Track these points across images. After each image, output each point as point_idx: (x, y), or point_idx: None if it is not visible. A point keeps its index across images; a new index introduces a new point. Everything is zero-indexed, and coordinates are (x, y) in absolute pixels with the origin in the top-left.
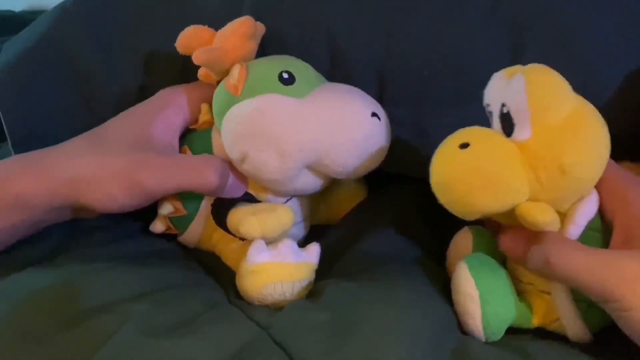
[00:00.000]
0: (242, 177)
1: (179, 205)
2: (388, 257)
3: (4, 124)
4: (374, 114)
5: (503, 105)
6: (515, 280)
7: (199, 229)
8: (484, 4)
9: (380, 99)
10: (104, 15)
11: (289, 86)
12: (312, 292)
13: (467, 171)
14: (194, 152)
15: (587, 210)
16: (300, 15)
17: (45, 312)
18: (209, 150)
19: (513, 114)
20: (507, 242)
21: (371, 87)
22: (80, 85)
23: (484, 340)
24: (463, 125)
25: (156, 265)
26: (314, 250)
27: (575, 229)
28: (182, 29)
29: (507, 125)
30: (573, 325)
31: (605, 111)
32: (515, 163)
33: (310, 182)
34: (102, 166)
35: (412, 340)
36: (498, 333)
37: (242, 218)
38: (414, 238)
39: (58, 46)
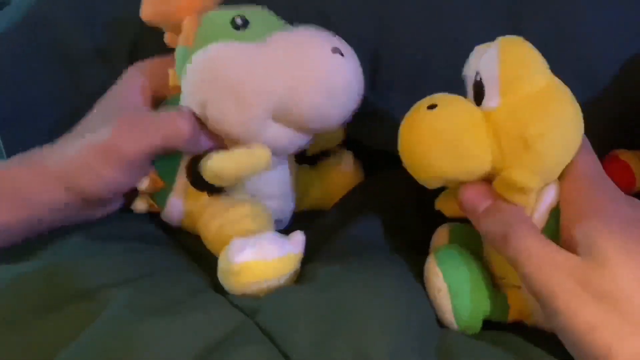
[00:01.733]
0: (216, 135)
1: (155, 176)
2: (377, 244)
3: None
4: (335, 50)
5: (477, 73)
6: (491, 274)
7: (178, 203)
8: None
9: (373, 82)
10: None
11: (243, 31)
12: (300, 275)
13: (428, 132)
14: None
15: (549, 197)
16: None
17: (25, 298)
18: None
19: (484, 82)
20: (469, 193)
21: (364, 70)
22: (66, 64)
23: (457, 330)
24: None
25: (139, 251)
26: (298, 240)
27: (537, 215)
28: None
29: (479, 93)
30: (545, 320)
31: (601, 100)
32: (479, 130)
33: (282, 136)
34: (83, 148)
35: (400, 331)
36: (473, 326)
37: (215, 158)
38: (405, 226)
39: (43, 23)
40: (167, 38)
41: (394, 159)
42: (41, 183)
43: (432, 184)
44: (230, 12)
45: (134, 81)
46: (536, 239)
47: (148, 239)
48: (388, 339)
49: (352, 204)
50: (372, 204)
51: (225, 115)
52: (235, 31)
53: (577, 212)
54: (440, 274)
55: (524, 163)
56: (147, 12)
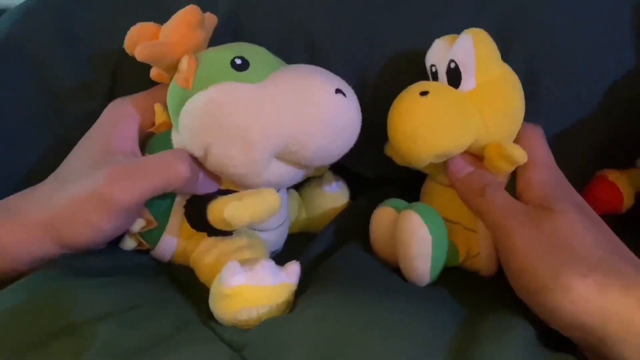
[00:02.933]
0: (214, 174)
1: (149, 216)
2: (369, 272)
3: None
4: (338, 91)
5: (452, 61)
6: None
7: (171, 241)
8: (469, 7)
9: (360, 102)
10: (69, 14)
11: (243, 72)
12: (291, 305)
13: (428, 113)
14: None
15: None
16: (279, 17)
17: (6, 335)
18: None
19: (461, 68)
20: (457, 164)
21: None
22: (45, 84)
23: (428, 281)
24: None
25: (126, 282)
26: (293, 270)
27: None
28: None
29: (455, 78)
30: (490, 258)
31: (589, 115)
32: (467, 109)
33: (283, 173)
34: (73, 197)
35: None
36: (437, 273)
37: (226, 204)
38: None
39: (22, 45)
40: (153, 73)
41: (378, 179)
42: (26, 235)
43: (425, 162)
44: (229, 52)
45: (118, 120)
46: (503, 194)
47: (136, 270)
48: None
49: (339, 230)
50: (360, 228)
51: (230, 158)
52: (235, 72)
53: (537, 187)
54: (426, 227)
55: (502, 131)
56: (142, 52)
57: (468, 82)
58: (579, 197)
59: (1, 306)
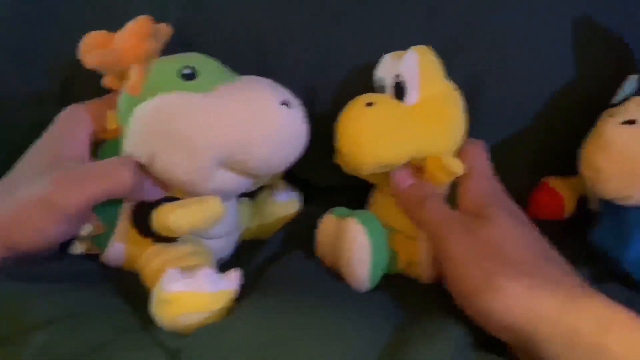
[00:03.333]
0: (160, 181)
1: (97, 222)
2: (311, 278)
3: None
4: (283, 103)
5: (397, 75)
6: (386, 230)
7: (119, 246)
8: (417, 20)
9: (311, 113)
10: (20, 24)
11: (191, 81)
12: (232, 311)
13: (373, 123)
14: None
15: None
16: (228, 24)
17: None
18: None
19: (406, 82)
20: (400, 175)
21: (301, 98)
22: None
23: (368, 286)
24: None
25: (71, 289)
26: (233, 277)
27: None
28: None
29: (400, 92)
30: (429, 266)
31: (531, 126)
32: (408, 121)
33: (230, 181)
34: (20, 202)
35: None
36: (377, 279)
37: (169, 211)
38: None
39: None
40: (105, 81)
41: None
42: None
43: (368, 170)
44: (178, 62)
45: (70, 126)
46: (441, 205)
47: (82, 277)
48: None
49: (288, 237)
50: (308, 235)
51: (175, 165)
52: (183, 82)
53: (474, 196)
54: (366, 233)
55: (442, 145)
56: (92, 60)
57: (412, 96)
58: (513, 205)
59: None
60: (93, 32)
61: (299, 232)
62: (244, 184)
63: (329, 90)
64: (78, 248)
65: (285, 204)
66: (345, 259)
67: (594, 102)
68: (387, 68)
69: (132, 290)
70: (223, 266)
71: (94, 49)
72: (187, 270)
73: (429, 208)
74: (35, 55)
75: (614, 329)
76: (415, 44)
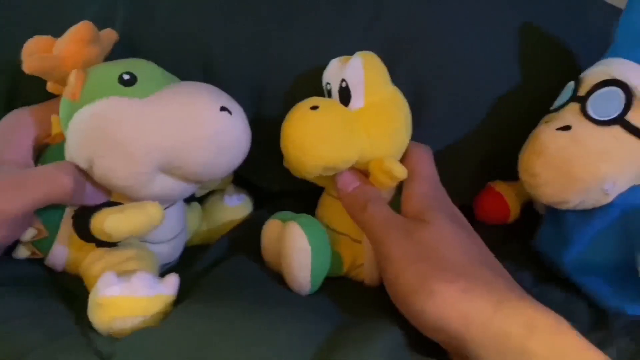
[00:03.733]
0: (102, 186)
1: (40, 225)
2: (250, 282)
3: None
4: (223, 108)
5: (343, 80)
6: (331, 233)
7: (62, 250)
8: (362, 21)
9: (255, 115)
10: None
11: (130, 87)
12: (167, 316)
13: (317, 126)
14: None
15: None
16: (173, 30)
17: None
18: None
19: (351, 87)
20: (344, 176)
21: (247, 103)
22: None
23: (308, 290)
24: None
25: (10, 294)
26: (171, 281)
27: (388, 192)
28: None
29: (345, 97)
30: (372, 269)
31: (474, 131)
32: (352, 125)
33: (170, 187)
34: None
35: None
36: (319, 283)
37: (107, 216)
38: None
39: None
40: (50, 86)
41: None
42: None
43: (313, 173)
44: (117, 68)
45: (14, 130)
46: (384, 208)
47: (21, 282)
48: None
49: (233, 241)
50: (253, 239)
51: (113, 171)
52: (122, 87)
53: (416, 199)
54: (305, 237)
55: (385, 149)
56: (31, 64)
57: (357, 101)
58: (454, 209)
59: None
60: (36, 37)
61: (245, 237)
62: (186, 189)
63: (276, 95)
64: (22, 252)
65: (235, 208)
66: (286, 263)
67: (538, 108)
68: (334, 72)
69: (74, 294)
70: (169, 270)
71: (36, 53)
72: (126, 274)
73: (371, 211)
74: None
75: (539, 332)
76: (359, 48)
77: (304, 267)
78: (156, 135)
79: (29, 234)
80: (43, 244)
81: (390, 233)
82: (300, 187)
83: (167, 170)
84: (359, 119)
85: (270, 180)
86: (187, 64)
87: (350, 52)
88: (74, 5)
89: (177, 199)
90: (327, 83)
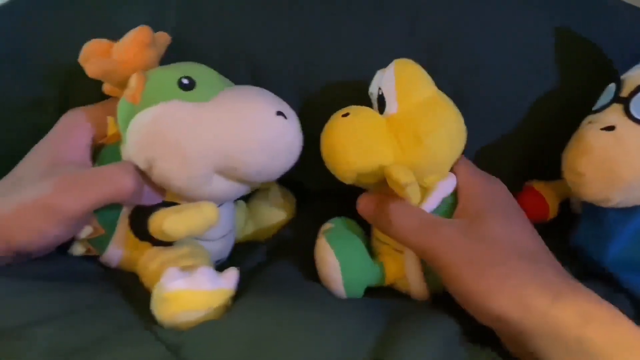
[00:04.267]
0: (158, 187)
1: (97, 224)
2: (299, 278)
3: None
4: (279, 113)
5: (379, 88)
6: (375, 242)
7: (118, 248)
8: (402, 26)
9: (300, 117)
10: (20, 30)
11: (190, 91)
12: (228, 310)
13: (344, 133)
14: None
15: (443, 188)
16: (221, 35)
17: None
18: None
19: (385, 95)
20: (362, 203)
21: (292, 105)
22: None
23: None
24: None
25: (70, 287)
26: (231, 275)
27: (432, 200)
28: None
29: (381, 104)
30: (416, 281)
31: (512, 131)
32: (382, 131)
33: (225, 188)
34: (21, 203)
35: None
36: (358, 293)
37: (165, 217)
38: None
39: None
40: (107, 88)
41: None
42: None
43: (348, 179)
44: (176, 72)
45: (72, 130)
46: (414, 217)
47: (81, 275)
48: None
49: (283, 240)
50: (301, 239)
51: (171, 172)
52: (182, 91)
53: (470, 200)
54: (333, 252)
55: (418, 156)
56: (93, 68)
57: (391, 107)
58: (509, 204)
59: None
60: (93, 40)
61: (292, 237)
62: (240, 190)
63: (319, 98)
64: (78, 249)
65: (280, 207)
66: (321, 277)
67: (574, 108)
68: (376, 81)
69: (131, 289)
70: (219, 267)
71: (93, 57)
72: (186, 269)
73: (396, 224)
74: (35, 62)
75: (596, 321)
76: (400, 52)
77: (336, 281)
78: (214, 139)
79: (86, 232)
80: (99, 242)
81: (432, 238)
82: (341, 188)
83: (223, 172)
84: (390, 125)
85: (313, 180)
86: (235, 69)
87: (392, 57)
88: (125, 13)
89: (231, 199)
90: (371, 93)
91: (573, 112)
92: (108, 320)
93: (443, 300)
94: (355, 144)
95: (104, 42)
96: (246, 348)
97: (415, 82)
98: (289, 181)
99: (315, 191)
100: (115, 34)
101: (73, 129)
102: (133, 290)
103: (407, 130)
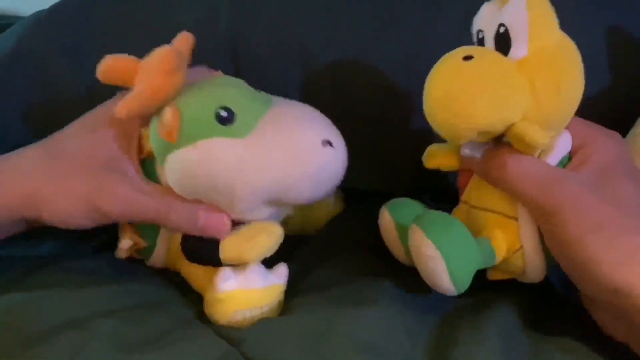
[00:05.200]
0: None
1: (137, 238)
2: (356, 273)
3: None
4: (325, 143)
5: (501, 25)
6: (476, 213)
7: (161, 256)
8: (456, 19)
9: (352, 116)
10: (78, 27)
11: (229, 125)
12: (284, 307)
13: (471, 81)
14: None
15: (563, 145)
16: (275, 32)
17: (12, 329)
18: (155, 180)
19: (511, 32)
20: (469, 154)
21: (342, 98)
22: (51, 99)
23: (455, 294)
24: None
25: (127, 282)
26: (281, 271)
27: (552, 159)
28: (158, 42)
29: (503, 45)
30: (534, 252)
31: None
32: (515, 78)
33: (273, 212)
34: (63, 187)
35: (381, 357)
36: (467, 283)
37: (238, 245)
38: (386, 255)
39: (30, 57)
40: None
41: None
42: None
43: (465, 138)
44: (211, 102)
45: (123, 123)
46: (534, 161)
47: (136, 271)
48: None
49: (333, 234)
50: (354, 233)
51: (220, 205)
52: (221, 126)
53: (592, 153)
54: (431, 243)
55: (555, 108)
56: (129, 108)
57: (519, 48)
58: (634, 166)
59: (4, 303)
60: (113, 56)
61: (344, 230)
62: (282, 214)
63: (369, 90)
64: (122, 254)
65: (329, 200)
66: (422, 273)
67: (628, 108)
68: (488, 17)
69: (183, 286)
70: (269, 262)
71: (114, 73)
72: (236, 268)
73: (512, 169)
74: (91, 56)
75: None
76: (452, 45)
77: (440, 275)
78: (261, 177)
79: (126, 244)
80: (143, 252)
81: (557, 192)
82: (391, 188)
83: (270, 202)
84: (522, 70)
85: (361, 181)
86: (287, 65)
87: (446, 52)
88: (178, 10)
89: (276, 219)
90: (479, 30)
91: (631, 108)
92: (168, 316)
93: (494, 290)
94: (488, 95)
95: (124, 58)
96: (308, 343)
97: (549, 18)
98: None
99: (361, 191)
100: (169, 29)
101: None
102: (184, 289)
103: (545, 77)
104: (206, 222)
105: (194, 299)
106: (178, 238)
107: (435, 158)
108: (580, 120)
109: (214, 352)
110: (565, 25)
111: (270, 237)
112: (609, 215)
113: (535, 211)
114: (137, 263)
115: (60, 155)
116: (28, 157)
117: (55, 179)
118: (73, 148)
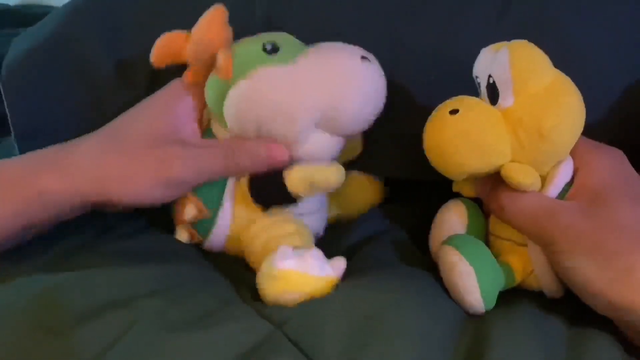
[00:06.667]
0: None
1: (200, 205)
2: (397, 261)
3: (9, 118)
4: (364, 58)
5: (489, 76)
6: (494, 240)
7: (224, 229)
8: (491, 10)
9: (387, 103)
10: (115, 14)
11: (275, 55)
12: None
13: (455, 134)
14: None
15: (564, 173)
16: (309, 18)
17: (62, 306)
18: None
19: (498, 84)
20: (478, 187)
21: None
22: (89, 84)
23: (483, 311)
24: None
25: (170, 263)
26: (339, 265)
27: (554, 189)
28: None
29: (493, 94)
30: (546, 274)
31: (604, 121)
32: (499, 127)
33: (322, 141)
34: (132, 164)
35: (426, 344)
36: (494, 300)
37: (307, 170)
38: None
39: (68, 44)
40: (190, 76)
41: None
42: (71, 186)
43: (459, 178)
44: (258, 41)
45: (184, 99)
46: (528, 197)
47: (178, 252)
48: (415, 353)
49: (373, 225)
50: (392, 225)
51: (279, 131)
52: (268, 56)
53: (589, 176)
54: (464, 258)
55: (540, 151)
56: (190, 54)
57: (505, 99)
58: (636, 184)
59: (53, 281)
60: (166, 34)
61: (389, 216)
62: (334, 144)
63: (404, 78)
64: (182, 235)
65: (366, 185)
66: (452, 289)
67: None
68: (482, 65)
69: (227, 269)
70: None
71: (168, 50)
72: (297, 249)
73: (512, 208)
74: (126, 44)
75: None
76: (490, 37)
77: (472, 291)
78: (312, 95)
79: (190, 212)
80: (202, 226)
81: (549, 224)
82: (427, 177)
83: (322, 125)
84: (507, 119)
85: (394, 168)
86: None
87: (480, 42)
88: None
89: (327, 157)
90: (476, 77)
91: None
92: (210, 296)
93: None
94: (470, 146)
95: (175, 34)
96: (352, 326)
97: (534, 69)
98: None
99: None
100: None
101: (184, 95)
102: (229, 270)
103: (528, 126)
104: (269, 152)
105: (236, 281)
106: (241, 206)
107: (457, 184)
108: (580, 141)
109: (259, 331)
110: (609, 14)
111: (334, 172)
112: (604, 238)
113: (536, 242)
114: (177, 245)
115: (123, 139)
116: (92, 144)
117: (123, 160)
118: (134, 129)
